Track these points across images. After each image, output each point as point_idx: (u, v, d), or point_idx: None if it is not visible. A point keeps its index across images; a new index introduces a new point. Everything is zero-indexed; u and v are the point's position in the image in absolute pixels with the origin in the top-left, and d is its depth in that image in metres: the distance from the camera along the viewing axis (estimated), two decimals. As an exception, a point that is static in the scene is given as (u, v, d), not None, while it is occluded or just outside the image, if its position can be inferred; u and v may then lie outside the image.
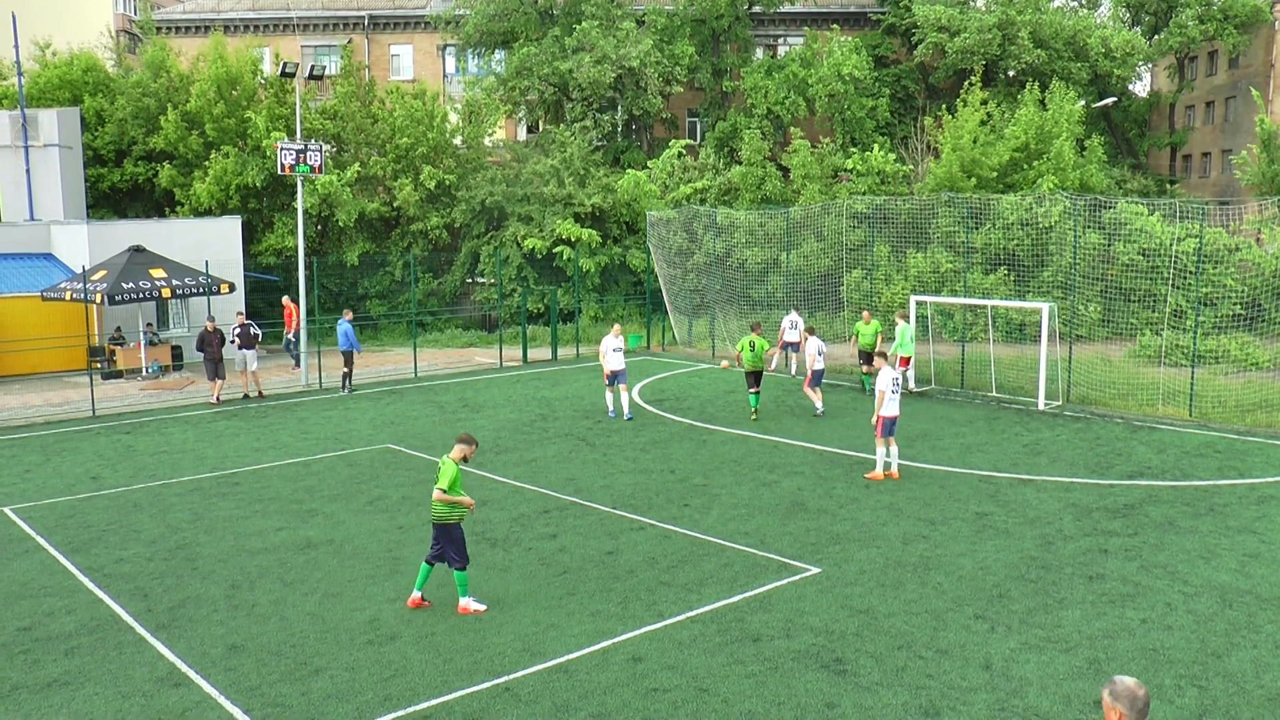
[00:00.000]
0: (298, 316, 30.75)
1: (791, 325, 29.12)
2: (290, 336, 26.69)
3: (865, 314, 26.43)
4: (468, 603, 12.18)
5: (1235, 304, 29.94)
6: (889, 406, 17.66)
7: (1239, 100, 53.72)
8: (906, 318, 26.01)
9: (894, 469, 18.12)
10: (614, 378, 23.41)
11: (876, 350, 21.29)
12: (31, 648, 11.33)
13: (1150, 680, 10.14)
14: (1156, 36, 49.89)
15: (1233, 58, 54.01)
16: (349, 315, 28.04)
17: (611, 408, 23.67)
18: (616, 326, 23.91)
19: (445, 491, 11.84)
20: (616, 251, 40.58)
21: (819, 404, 23.60)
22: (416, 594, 12.35)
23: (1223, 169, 55.27)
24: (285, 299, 33.54)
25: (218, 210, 39.34)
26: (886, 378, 17.70)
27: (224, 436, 22.41)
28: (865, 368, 25.84)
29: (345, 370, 27.83)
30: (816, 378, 23.75)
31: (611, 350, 23.28)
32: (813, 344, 23.85)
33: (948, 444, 20.52)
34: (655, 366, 31.64)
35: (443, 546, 12.05)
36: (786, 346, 29.44)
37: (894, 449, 18.15)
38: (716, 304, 35.15)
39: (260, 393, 27.27)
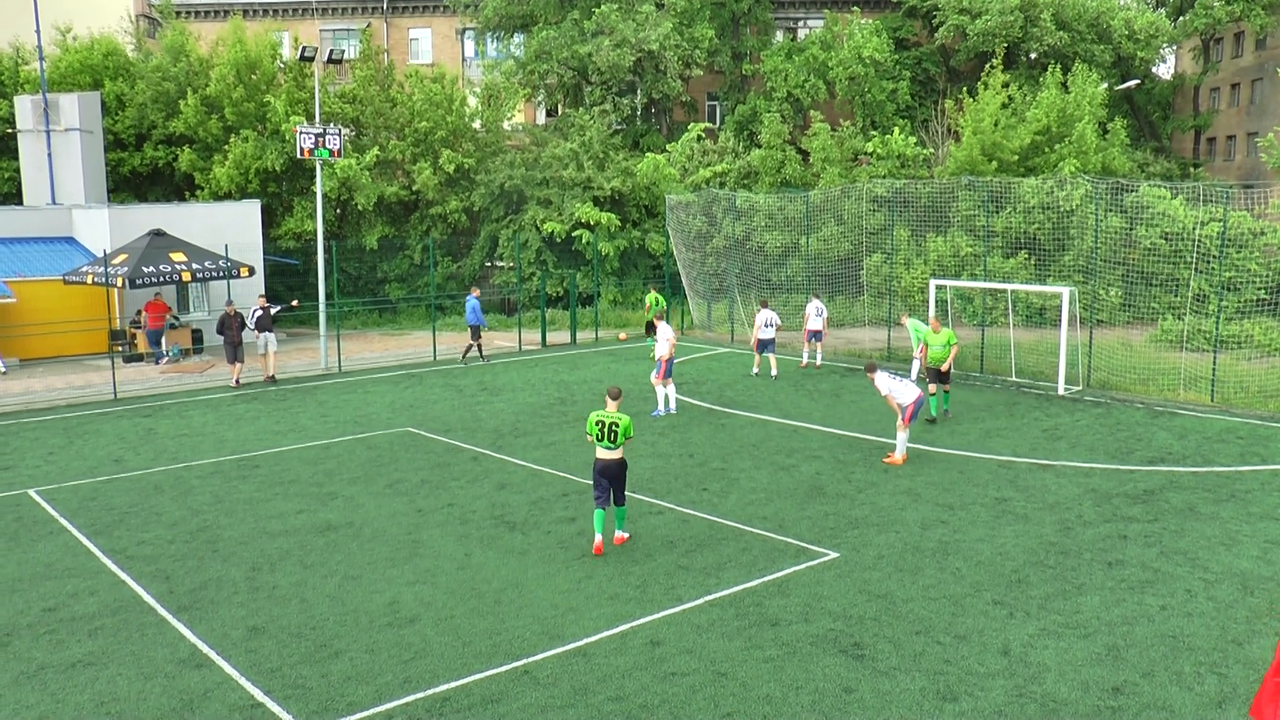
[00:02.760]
0: (167, 314, 31.61)
1: (818, 313, 28.06)
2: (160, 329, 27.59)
3: (934, 320, 22.11)
4: (623, 533, 13.96)
5: (1259, 288, 29.69)
6: (906, 395, 17.70)
7: (1265, 82, 53.13)
8: (911, 314, 26.06)
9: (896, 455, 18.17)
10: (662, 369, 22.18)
11: (939, 361, 20.87)
12: (56, 628, 11.46)
13: (1170, 667, 10.11)
14: (1181, 18, 49.38)
15: (1259, 39, 53.38)
16: (476, 292, 30.38)
17: (660, 405, 22.28)
18: (656, 317, 22.88)
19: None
20: (635, 235, 40.52)
21: (756, 368, 26.86)
22: (599, 538, 13.60)
23: (1248, 152, 54.72)
24: (158, 295, 31.73)
25: (237, 194, 39.49)
26: (884, 381, 17.85)
27: (244, 419, 22.54)
28: (935, 387, 21.40)
29: (472, 343, 30.02)
30: (762, 346, 26.64)
31: (662, 339, 22.25)
32: (762, 315, 26.52)
33: (967, 429, 20.45)
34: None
35: (615, 489, 13.59)
36: (812, 336, 28.06)
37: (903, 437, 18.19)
38: (736, 288, 35.08)
39: (268, 376, 27.37)
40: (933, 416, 21.16)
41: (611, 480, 13.49)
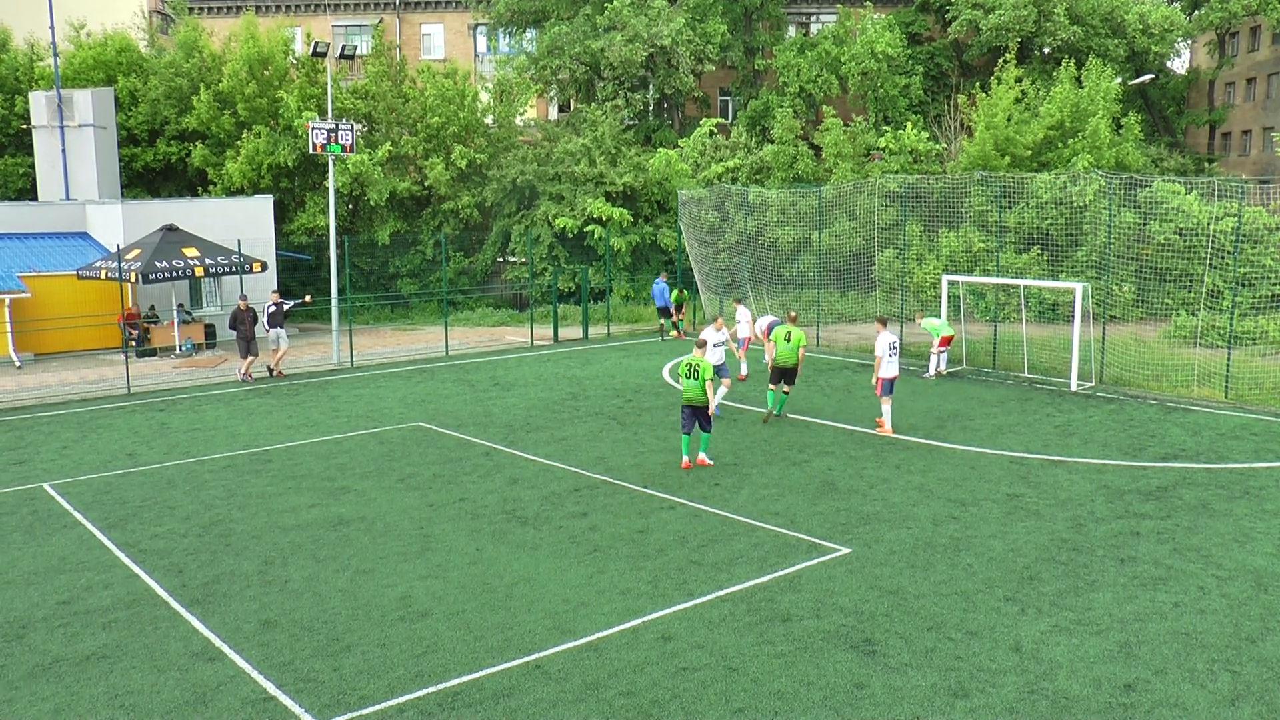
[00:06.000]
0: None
1: (743, 319, 26.52)
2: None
3: (793, 315, 21.73)
4: (705, 456, 17.41)
5: (1274, 284, 29.49)
6: (887, 368, 19.46)
7: (1280, 77, 52.84)
8: (924, 316, 26.84)
9: (887, 423, 19.81)
10: (716, 371, 21.15)
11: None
12: (70, 621, 11.52)
13: (1183, 664, 10.08)
14: (1197, 12, 49.06)
15: (1276, 33, 53.12)
16: (664, 276, 33.78)
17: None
18: (719, 319, 21.55)
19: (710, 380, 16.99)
20: (648, 230, 40.49)
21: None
22: (686, 458, 17.35)
23: (1263, 147, 54.47)
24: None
25: (250, 189, 39.59)
26: (884, 341, 19.45)
27: (256, 414, 22.61)
28: (775, 387, 21.02)
29: (662, 320, 33.36)
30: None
31: (711, 345, 20.41)
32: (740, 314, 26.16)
33: (979, 425, 20.40)
34: (686, 346, 31.60)
35: (699, 419, 17.13)
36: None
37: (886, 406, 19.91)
38: (748, 283, 35.03)
39: (279, 371, 27.43)
40: (773, 414, 21.04)
41: (695, 411, 17.08)
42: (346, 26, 56.06)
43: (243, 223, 34.37)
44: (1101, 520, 14.44)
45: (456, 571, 12.78)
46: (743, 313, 26.22)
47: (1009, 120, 36.80)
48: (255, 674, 10.19)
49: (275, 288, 31.29)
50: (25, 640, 11.06)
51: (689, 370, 17.01)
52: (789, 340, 20.48)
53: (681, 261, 37.46)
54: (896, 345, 19.91)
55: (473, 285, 41.71)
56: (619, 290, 39.73)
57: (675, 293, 33.93)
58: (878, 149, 40.28)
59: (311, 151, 28.96)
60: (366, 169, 38.70)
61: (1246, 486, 16.03)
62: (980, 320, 31.33)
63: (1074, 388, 23.81)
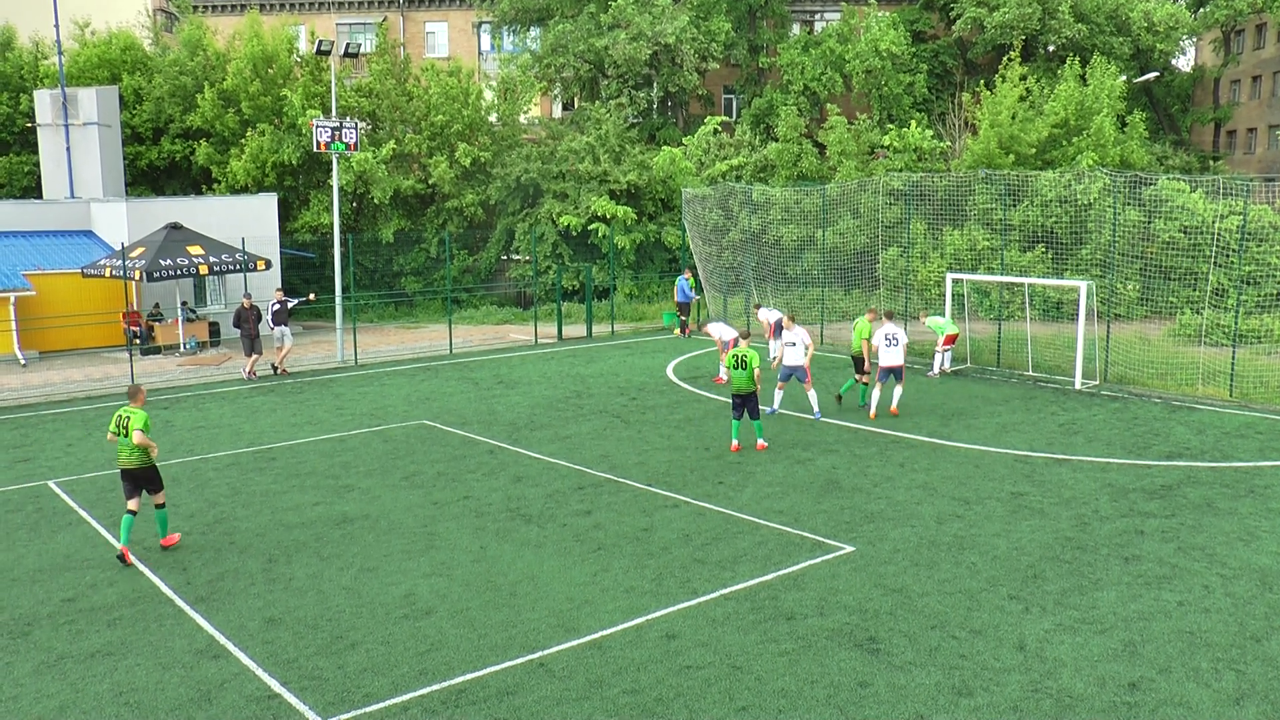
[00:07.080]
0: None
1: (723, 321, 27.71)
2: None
3: (871, 312, 22.30)
4: (763, 441, 18.45)
5: (1279, 283, 29.44)
6: (883, 356, 20.43)
7: (1285, 75, 52.72)
8: (929, 314, 27.35)
9: (893, 406, 20.99)
10: (789, 373, 20.81)
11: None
12: (76, 618, 11.54)
13: (1187, 663, 10.06)
14: (1202, 10, 49.04)
15: (1280, 31, 52.99)
16: (688, 274, 33.85)
17: (775, 405, 21.24)
18: (787, 318, 21.54)
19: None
20: (652, 229, 40.49)
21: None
22: (734, 441, 18.36)
23: (1269, 144, 54.37)
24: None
25: (254, 188, 39.64)
26: (880, 332, 20.55)
27: (260, 412, 22.63)
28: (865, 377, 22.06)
29: (682, 319, 33.56)
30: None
31: (787, 344, 20.70)
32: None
33: (983, 423, 20.38)
34: (690, 344, 31.62)
35: (748, 407, 18.08)
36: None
37: (898, 390, 21.00)
38: (752, 281, 35.01)
39: (284, 369, 27.44)
40: (858, 402, 22.31)
41: (744, 400, 18.03)
42: (350, 24, 56.08)
43: (247, 221, 34.39)
44: (1106, 519, 14.42)
45: (460, 569, 12.79)
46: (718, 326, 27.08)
47: (1013, 118, 36.77)
48: (259, 671, 10.20)
49: (279, 286, 31.33)
50: (30, 637, 11.08)
51: (736, 361, 17.94)
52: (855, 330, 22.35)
53: (685, 260, 37.44)
54: (896, 337, 20.45)
55: (477, 283, 41.73)
56: (623, 288, 39.73)
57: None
58: (882, 147, 40.26)
59: (315, 150, 28.96)
60: (370, 167, 38.73)
61: (1251, 485, 16.00)
62: (984, 318, 31.28)
63: (1078, 386, 23.78)
